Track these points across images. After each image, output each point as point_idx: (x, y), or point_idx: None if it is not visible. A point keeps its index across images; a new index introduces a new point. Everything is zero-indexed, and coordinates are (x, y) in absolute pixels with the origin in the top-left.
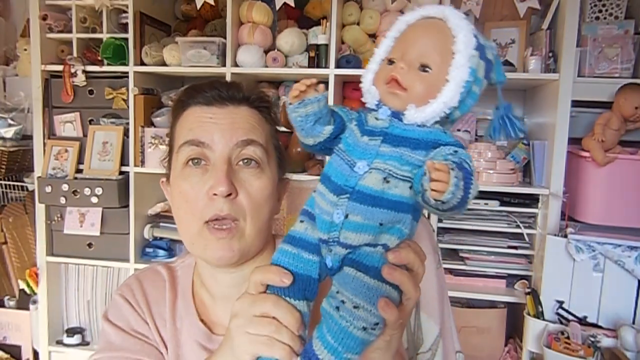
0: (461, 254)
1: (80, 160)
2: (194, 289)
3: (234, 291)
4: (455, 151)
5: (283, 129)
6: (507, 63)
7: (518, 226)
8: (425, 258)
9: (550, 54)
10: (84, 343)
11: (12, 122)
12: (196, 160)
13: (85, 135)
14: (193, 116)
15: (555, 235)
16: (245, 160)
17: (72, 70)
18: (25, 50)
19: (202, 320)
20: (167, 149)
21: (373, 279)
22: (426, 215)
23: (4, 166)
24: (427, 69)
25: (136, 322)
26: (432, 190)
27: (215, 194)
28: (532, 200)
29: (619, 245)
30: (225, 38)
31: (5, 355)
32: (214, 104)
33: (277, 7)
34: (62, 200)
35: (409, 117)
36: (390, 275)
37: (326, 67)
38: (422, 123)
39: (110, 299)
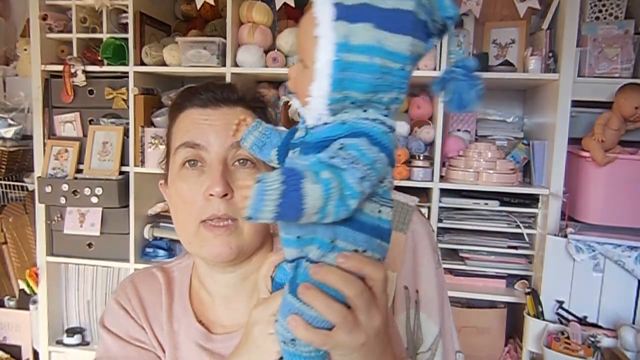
0: (461, 254)
1: (80, 160)
2: (191, 290)
3: (232, 290)
4: (342, 145)
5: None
6: (507, 63)
7: (518, 226)
8: (378, 276)
9: (550, 54)
10: (84, 343)
11: (12, 122)
12: (192, 162)
13: (85, 135)
14: (189, 118)
15: (555, 235)
16: (241, 161)
17: (72, 70)
18: (25, 50)
19: (200, 321)
20: (165, 151)
21: (289, 294)
22: (426, 216)
23: (4, 166)
24: (305, 63)
25: (133, 328)
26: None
27: (211, 195)
28: (532, 200)
29: (619, 245)
30: (225, 38)
31: (5, 355)
32: (209, 105)
33: (277, 7)
34: (62, 200)
35: (307, 120)
36: (301, 294)
37: None
38: (322, 122)
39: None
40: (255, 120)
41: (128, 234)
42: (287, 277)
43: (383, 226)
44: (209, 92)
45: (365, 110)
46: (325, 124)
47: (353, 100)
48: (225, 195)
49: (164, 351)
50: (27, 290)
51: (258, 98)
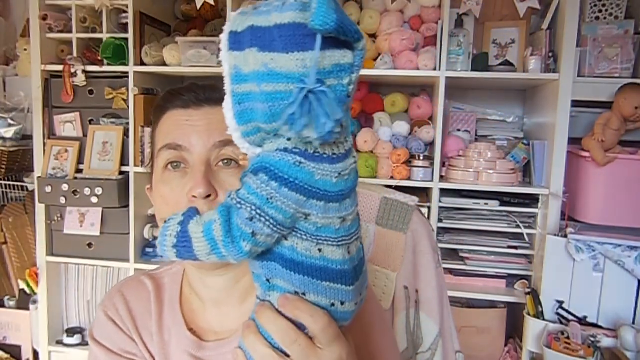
0: (461, 254)
1: (80, 160)
2: (182, 297)
3: (223, 294)
4: (243, 182)
5: None
6: (507, 63)
7: (518, 226)
8: (315, 328)
9: (550, 54)
10: (84, 343)
11: (12, 122)
12: (175, 164)
13: (85, 135)
14: (170, 120)
15: (555, 235)
16: (225, 161)
17: (72, 70)
18: (25, 50)
19: (190, 329)
20: (150, 154)
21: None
22: (426, 216)
23: (4, 166)
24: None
25: (123, 341)
26: None
27: (194, 197)
28: (532, 200)
29: (619, 245)
30: None
31: (5, 355)
32: (190, 106)
33: None
34: (62, 200)
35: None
36: (242, 332)
37: None
38: (252, 154)
39: None
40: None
41: (128, 234)
42: None
43: (332, 267)
44: (191, 92)
45: (288, 139)
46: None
47: (266, 130)
48: (209, 196)
49: None
50: (27, 290)
51: None
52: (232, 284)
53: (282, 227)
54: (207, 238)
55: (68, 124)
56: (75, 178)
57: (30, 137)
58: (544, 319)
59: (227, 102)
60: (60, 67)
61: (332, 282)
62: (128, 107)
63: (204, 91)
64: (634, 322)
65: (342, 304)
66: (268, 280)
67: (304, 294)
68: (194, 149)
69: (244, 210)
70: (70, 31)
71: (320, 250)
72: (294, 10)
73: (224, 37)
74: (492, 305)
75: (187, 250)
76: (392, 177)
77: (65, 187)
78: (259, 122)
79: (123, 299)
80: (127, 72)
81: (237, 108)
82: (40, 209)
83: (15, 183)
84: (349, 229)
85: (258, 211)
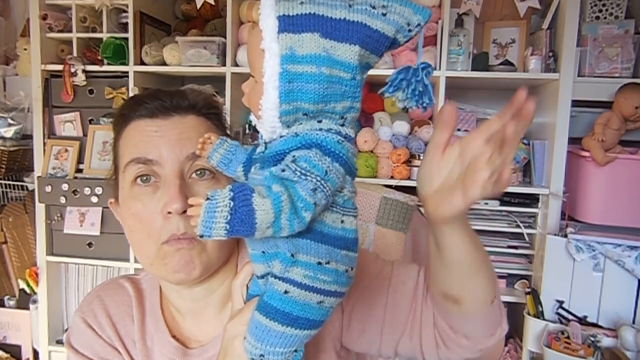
0: None
1: (80, 160)
2: (162, 303)
3: (201, 305)
4: (294, 157)
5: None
6: (507, 63)
7: (518, 226)
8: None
9: (551, 54)
10: None
11: (12, 121)
12: (145, 178)
13: (85, 135)
14: (136, 131)
15: (555, 235)
16: (199, 172)
17: (72, 70)
18: (25, 49)
19: (174, 336)
20: (112, 167)
21: (257, 311)
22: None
23: (4, 166)
24: (255, 78)
25: (102, 348)
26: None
27: (169, 213)
28: (532, 200)
29: (619, 245)
30: (225, 38)
31: (5, 355)
32: (158, 115)
33: None
34: (62, 200)
35: (263, 135)
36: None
37: None
38: (278, 135)
39: None
40: (220, 138)
41: None
42: (259, 290)
43: (348, 236)
44: (157, 100)
45: (319, 121)
46: (281, 137)
47: (304, 111)
48: (185, 211)
49: None
50: (27, 290)
51: (211, 104)
52: (208, 293)
53: (331, 198)
54: (275, 210)
55: (68, 124)
56: (75, 178)
57: (30, 137)
58: (544, 319)
59: (272, 81)
60: (60, 67)
61: (348, 250)
62: None
63: (171, 98)
64: (634, 322)
65: (352, 269)
66: (293, 256)
67: (327, 262)
68: (165, 162)
69: (309, 182)
70: (70, 31)
71: (342, 221)
72: (363, 13)
73: (270, 20)
74: None
75: (244, 223)
76: (392, 177)
77: (65, 186)
78: (304, 101)
79: (102, 304)
80: (127, 72)
81: (286, 86)
82: (40, 208)
83: (15, 183)
84: (355, 203)
85: (322, 182)
